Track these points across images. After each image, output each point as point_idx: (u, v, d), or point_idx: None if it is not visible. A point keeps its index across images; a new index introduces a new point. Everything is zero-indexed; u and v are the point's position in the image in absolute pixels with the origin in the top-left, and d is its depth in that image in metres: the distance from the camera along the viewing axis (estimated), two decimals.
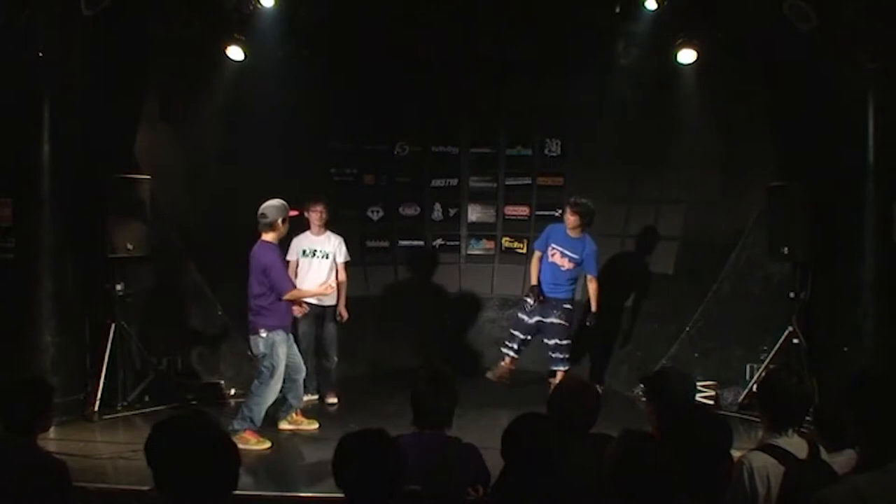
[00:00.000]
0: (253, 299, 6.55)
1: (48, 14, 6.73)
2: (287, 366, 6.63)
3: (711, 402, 7.53)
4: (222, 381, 8.06)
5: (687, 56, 7.79)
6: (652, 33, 8.01)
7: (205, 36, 7.69)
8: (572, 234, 7.96)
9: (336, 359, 7.94)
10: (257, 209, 6.64)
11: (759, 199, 7.78)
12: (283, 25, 7.91)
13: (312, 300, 7.45)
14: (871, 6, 6.53)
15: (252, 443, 6.41)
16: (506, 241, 10.01)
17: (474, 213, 10.07)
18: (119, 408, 7.44)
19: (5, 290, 6.95)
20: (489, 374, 8.22)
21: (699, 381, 7.40)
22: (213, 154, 8.52)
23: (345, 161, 9.76)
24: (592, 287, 8.05)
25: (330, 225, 7.95)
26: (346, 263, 8.01)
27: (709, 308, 8.25)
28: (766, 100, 7.81)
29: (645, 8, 7.64)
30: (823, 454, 3.36)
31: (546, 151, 9.88)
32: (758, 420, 4.57)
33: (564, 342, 7.95)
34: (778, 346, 7.32)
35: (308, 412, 7.33)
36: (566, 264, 7.95)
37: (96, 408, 7.18)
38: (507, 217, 10.02)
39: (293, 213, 6.81)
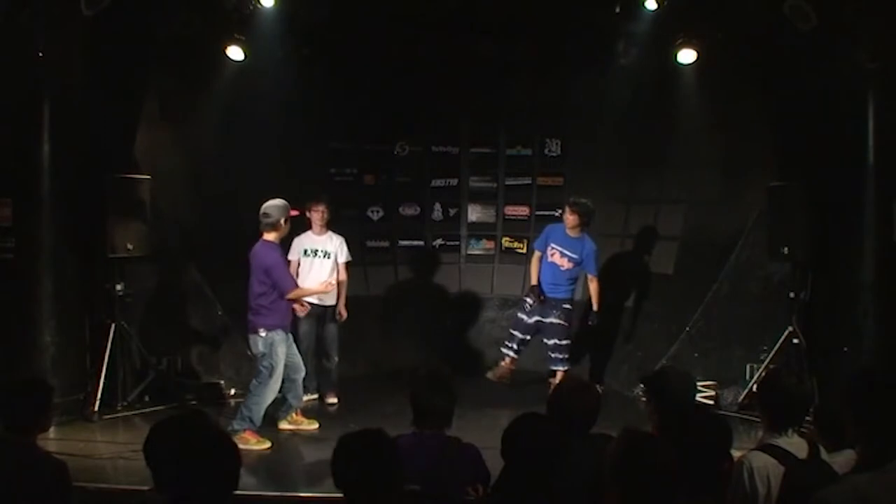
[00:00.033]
0: (253, 298, 6.55)
1: (48, 14, 6.73)
2: (286, 365, 6.63)
3: (711, 402, 7.53)
4: (222, 381, 8.06)
5: (687, 56, 7.78)
6: (652, 33, 8.01)
7: (205, 36, 7.69)
8: (571, 233, 7.96)
9: (337, 359, 7.94)
10: (258, 209, 6.64)
11: (759, 199, 7.78)
12: (283, 25, 7.90)
13: (314, 300, 7.45)
14: (871, 6, 6.53)
15: (252, 443, 6.41)
16: (506, 241, 10.01)
17: (474, 213, 10.07)
18: (119, 408, 7.44)
19: (5, 290, 6.95)
20: (489, 375, 8.22)
21: (699, 381, 7.37)
22: (213, 154, 8.52)
23: (345, 161, 9.76)
24: (593, 286, 8.05)
25: (331, 225, 7.96)
26: (347, 263, 8.01)
27: (709, 308, 8.26)
28: (766, 100, 7.81)
29: (645, 8, 7.64)
30: (823, 454, 3.36)
31: (546, 151, 9.88)
32: (758, 420, 4.57)
33: (564, 342, 7.95)
34: (778, 346, 7.33)
35: (308, 412, 7.33)
36: (565, 264, 7.95)
37: (96, 408, 7.18)
38: (507, 217, 10.02)
39: (294, 213, 6.81)
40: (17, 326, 6.96)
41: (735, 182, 8.35)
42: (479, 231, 10.06)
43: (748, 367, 7.63)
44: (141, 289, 7.88)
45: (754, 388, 6.86)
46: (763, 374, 7.13)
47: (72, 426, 6.90)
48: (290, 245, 7.65)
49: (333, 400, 7.95)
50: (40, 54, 6.78)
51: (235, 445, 2.88)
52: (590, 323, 8.12)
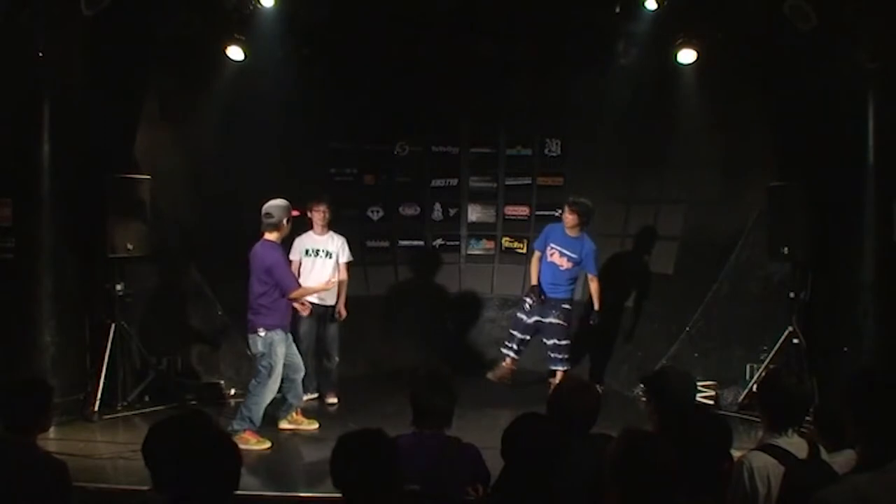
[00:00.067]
0: (254, 298, 6.55)
1: (48, 14, 6.72)
2: (286, 365, 6.64)
3: (711, 402, 7.52)
4: (222, 381, 8.06)
5: (687, 56, 7.78)
6: (652, 33, 8.01)
7: (205, 36, 7.69)
8: (571, 233, 7.96)
9: (337, 359, 7.94)
10: (258, 209, 6.64)
11: (759, 199, 7.78)
12: (283, 25, 7.90)
13: (314, 299, 7.45)
14: (871, 6, 6.53)
15: (252, 443, 6.41)
16: (506, 241, 10.01)
17: (474, 213, 10.07)
18: (119, 408, 7.44)
19: (5, 290, 6.95)
20: (490, 375, 8.22)
21: (699, 381, 7.37)
22: (213, 154, 8.51)
23: (345, 161, 9.76)
24: (594, 286, 8.05)
25: (332, 225, 7.96)
26: (348, 263, 8.01)
27: (709, 308, 8.26)
28: (766, 100, 7.81)
29: (645, 8, 7.64)
30: (823, 454, 3.36)
31: (546, 151, 9.89)
32: (758, 420, 4.57)
33: (563, 342, 7.95)
34: (778, 346, 7.32)
35: (308, 412, 7.33)
36: (565, 263, 7.95)
37: (96, 408, 7.18)
38: (507, 217, 10.02)
39: (295, 213, 6.81)
40: (17, 326, 6.96)
41: (735, 182, 8.35)
42: (479, 231, 10.07)
43: (748, 367, 7.63)
44: (141, 289, 7.88)
45: (754, 388, 6.87)
46: (763, 374, 7.13)
47: (72, 426, 6.90)
48: (291, 245, 7.65)
49: (333, 400, 7.95)
50: (40, 54, 6.77)
51: (236, 445, 2.88)
52: (591, 323, 8.12)
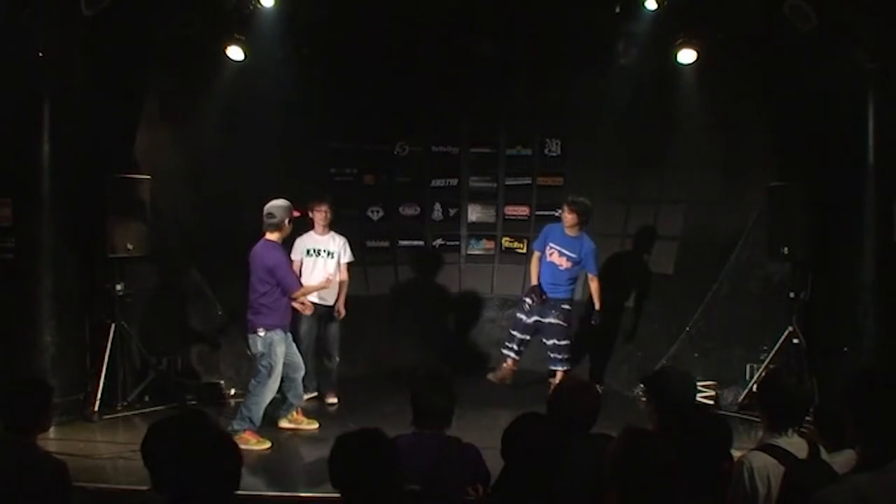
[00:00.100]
0: (255, 298, 6.55)
1: (48, 14, 6.72)
2: (286, 364, 6.64)
3: (711, 402, 7.52)
4: (222, 381, 8.06)
5: (687, 56, 7.78)
6: (652, 33, 8.00)
7: (205, 36, 7.69)
8: (570, 232, 7.96)
9: (338, 359, 7.94)
10: (258, 209, 6.64)
11: (759, 199, 7.78)
12: (283, 25, 7.90)
13: (316, 299, 7.45)
14: (871, 6, 6.53)
15: (252, 443, 6.41)
16: (506, 241, 10.01)
17: (474, 213, 10.07)
18: (119, 408, 7.44)
19: (5, 290, 6.95)
20: (491, 376, 8.21)
21: (699, 381, 7.37)
22: (213, 154, 8.51)
23: (345, 161, 9.76)
24: (594, 286, 8.05)
25: (333, 225, 7.96)
26: (349, 264, 8.01)
27: (709, 308, 8.26)
28: (766, 100, 7.81)
29: (645, 8, 7.64)
30: (823, 454, 3.36)
31: (546, 151, 9.89)
32: (758, 420, 4.57)
33: (563, 342, 7.94)
34: (778, 346, 7.32)
35: (308, 412, 7.33)
36: (564, 263, 7.95)
37: (96, 408, 7.18)
38: (507, 217, 10.02)
39: (297, 213, 6.82)
40: (17, 326, 6.96)
41: (735, 182, 8.35)
42: (479, 231, 10.07)
43: (748, 367, 7.62)
44: (141, 289, 7.88)
45: (754, 388, 6.86)
46: (763, 374, 7.13)
47: (72, 426, 6.90)
48: (292, 245, 7.65)
49: (333, 400, 7.95)
50: (40, 54, 6.77)
51: (236, 445, 2.88)
52: (593, 322, 8.12)
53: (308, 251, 7.81)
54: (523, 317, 8.10)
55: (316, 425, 7.13)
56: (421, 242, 10.01)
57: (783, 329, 7.34)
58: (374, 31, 8.67)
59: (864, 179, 6.74)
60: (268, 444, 6.55)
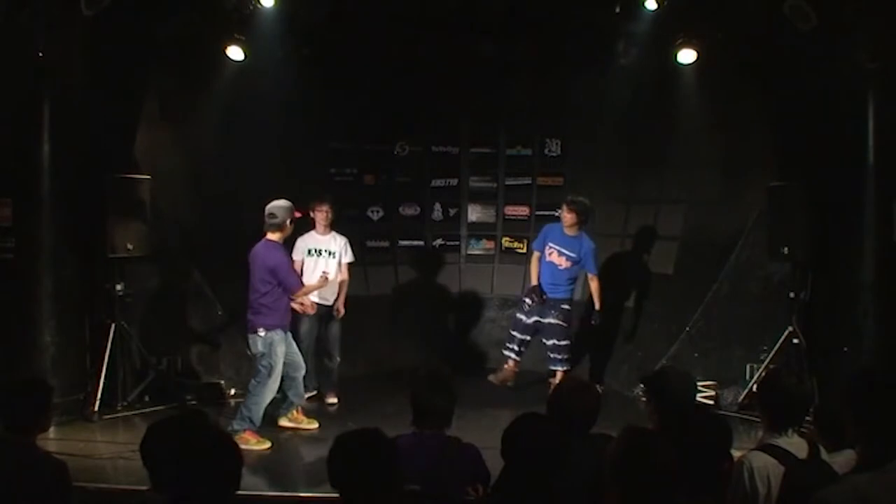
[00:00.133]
0: (255, 298, 6.55)
1: (48, 14, 6.72)
2: (286, 364, 6.64)
3: (711, 402, 7.52)
4: (222, 381, 8.06)
5: (687, 56, 7.78)
6: (652, 33, 8.00)
7: (205, 36, 7.69)
8: (569, 232, 7.96)
9: (338, 359, 7.94)
10: (258, 209, 6.65)
11: (759, 199, 7.78)
12: (283, 25, 7.89)
13: (317, 299, 7.45)
14: (871, 6, 6.53)
15: (252, 443, 6.41)
16: (506, 241, 10.01)
17: (474, 213, 10.07)
18: (119, 408, 7.44)
19: (5, 290, 6.95)
20: (492, 378, 8.18)
21: (699, 381, 7.37)
22: (213, 154, 8.51)
23: (345, 161, 9.76)
24: (594, 285, 8.04)
25: (334, 225, 7.96)
26: (350, 264, 8.01)
27: (709, 308, 8.25)
28: (766, 100, 7.81)
29: (645, 8, 7.63)
30: (823, 454, 3.36)
31: (546, 151, 9.89)
32: (758, 420, 4.57)
33: (563, 342, 7.94)
34: (778, 346, 7.32)
35: (308, 412, 7.33)
36: (564, 263, 7.94)
37: (96, 408, 7.18)
38: (507, 217, 10.02)
39: (298, 214, 6.82)
40: (17, 326, 6.96)
41: (735, 182, 8.35)
42: (479, 231, 10.07)
43: (748, 367, 7.62)
44: (141, 289, 7.88)
45: (754, 388, 6.86)
46: (763, 374, 7.13)
47: (72, 426, 6.90)
48: (292, 245, 7.65)
49: (333, 400, 7.95)
50: (40, 54, 6.77)
51: (236, 445, 2.88)
52: (593, 322, 8.11)
53: (309, 251, 7.81)
54: (523, 317, 8.09)
55: (316, 425, 7.13)
56: (421, 242, 10.01)
57: (783, 329, 7.34)
58: (374, 31, 8.67)
59: (864, 179, 6.74)
60: (268, 444, 6.55)
